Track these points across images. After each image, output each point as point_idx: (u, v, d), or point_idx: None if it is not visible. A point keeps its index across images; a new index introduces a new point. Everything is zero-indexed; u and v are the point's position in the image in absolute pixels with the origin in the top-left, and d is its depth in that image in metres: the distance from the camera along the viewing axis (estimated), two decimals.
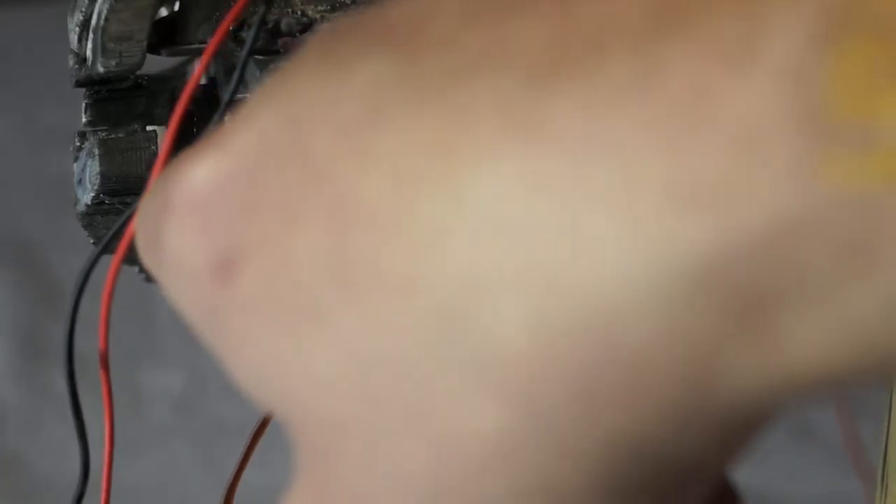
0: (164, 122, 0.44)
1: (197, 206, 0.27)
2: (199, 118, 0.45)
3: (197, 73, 0.38)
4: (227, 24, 0.38)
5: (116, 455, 1.26)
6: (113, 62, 0.42)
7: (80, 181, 0.43)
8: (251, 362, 0.27)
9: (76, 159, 0.43)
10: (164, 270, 0.29)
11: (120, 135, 0.43)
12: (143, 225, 0.31)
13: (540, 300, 0.23)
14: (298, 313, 0.25)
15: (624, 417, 0.23)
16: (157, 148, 0.43)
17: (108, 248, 0.38)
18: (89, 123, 0.44)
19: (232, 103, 0.44)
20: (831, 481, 1.15)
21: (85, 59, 0.42)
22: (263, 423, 0.45)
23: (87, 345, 1.38)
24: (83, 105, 0.44)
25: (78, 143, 0.43)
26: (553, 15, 0.24)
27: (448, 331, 0.24)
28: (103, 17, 0.41)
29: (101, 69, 0.42)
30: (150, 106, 0.44)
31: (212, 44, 0.37)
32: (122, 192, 0.43)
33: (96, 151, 0.43)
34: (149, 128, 0.43)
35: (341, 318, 0.25)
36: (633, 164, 0.22)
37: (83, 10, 0.41)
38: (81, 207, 0.43)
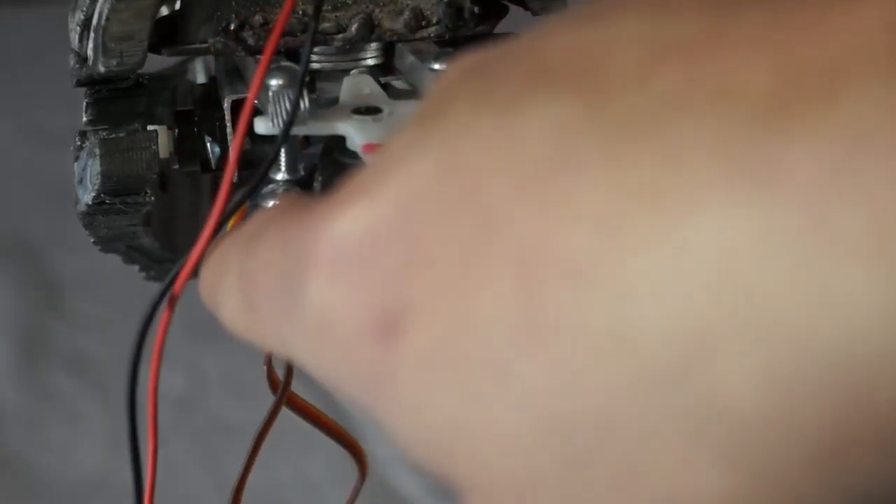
0: (164, 121, 0.44)
1: (351, 260, 0.25)
2: (199, 118, 0.45)
3: (251, 94, 0.37)
4: (278, 29, 0.37)
5: (116, 455, 1.26)
6: (114, 62, 0.41)
7: (80, 181, 0.43)
8: (423, 424, 0.25)
9: (77, 159, 0.43)
10: (303, 329, 0.27)
11: (121, 134, 0.42)
12: (249, 281, 0.28)
13: (779, 356, 0.21)
14: (480, 372, 0.23)
15: (868, 478, 0.22)
16: (157, 147, 0.43)
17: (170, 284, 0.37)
18: (90, 123, 0.43)
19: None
20: None
21: (86, 59, 0.42)
22: (267, 426, 0.45)
23: (89, 346, 1.37)
24: (84, 104, 0.44)
25: (79, 143, 0.43)
26: (769, 45, 0.22)
27: (667, 388, 0.22)
28: (104, 16, 0.40)
29: (102, 69, 0.42)
30: (150, 105, 0.44)
31: (266, 52, 0.36)
32: (122, 192, 0.42)
33: (97, 151, 0.42)
34: (150, 127, 0.43)
35: (533, 377, 0.23)
36: (890, 213, 0.20)
37: (84, 9, 0.41)
38: (82, 207, 0.43)
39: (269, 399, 0.46)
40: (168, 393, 1.22)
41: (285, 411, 0.46)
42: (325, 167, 0.41)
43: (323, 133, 0.41)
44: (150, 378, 0.39)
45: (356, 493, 0.48)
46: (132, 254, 0.47)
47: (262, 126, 0.40)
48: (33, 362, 1.26)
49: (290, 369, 0.44)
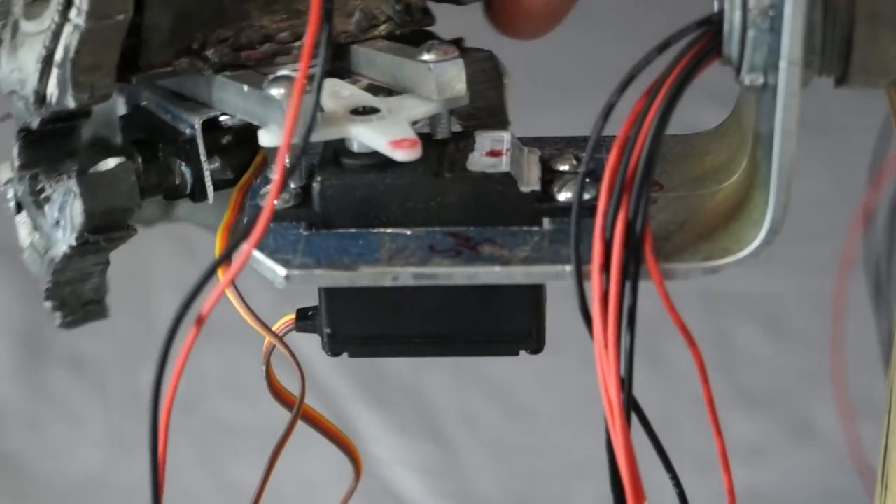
0: (123, 153, 0.42)
1: None
2: (163, 145, 0.44)
3: (290, 118, 0.36)
4: (310, 38, 0.37)
5: (115, 455, 1.26)
6: (86, 95, 0.40)
7: (56, 223, 0.42)
8: None
9: (37, 205, 0.42)
10: None
11: (99, 170, 0.41)
12: None
13: None
14: None
15: None
16: (135, 178, 0.41)
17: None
18: (23, 167, 0.42)
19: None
20: (831, 481, 1.15)
21: (43, 98, 0.40)
22: (284, 439, 0.45)
23: (89, 346, 1.37)
24: (15, 149, 0.42)
25: (10, 195, 0.42)
26: None
27: None
28: (73, 49, 0.39)
29: (72, 104, 0.40)
30: (78, 143, 0.43)
31: (303, 60, 0.36)
32: (107, 228, 0.41)
33: (76, 190, 0.41)
34: (112, 161, 0.41)
35: None
36: None
37: (46, 45, 0.39)
38: (60, 251, 0.42)
39: (268, 399, 0.46)
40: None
41: (284, 411, 0.46)
42: (325, 167, 0.41)
43: (338, 137, 0.41)
44: (167, 393, 0.39)
45: (351, 492, 0.48)
46: (70, 299, 0.46)
47: (267, 139, 0.40)
48: (33, 362, 1.26)
49: (303, 381, 0.44)
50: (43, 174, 0.42)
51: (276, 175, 0.37)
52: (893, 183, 1.09)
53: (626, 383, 0.38)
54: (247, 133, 0.43)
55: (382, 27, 0.44)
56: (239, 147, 0.44)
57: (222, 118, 0.43)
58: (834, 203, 1.32)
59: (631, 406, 0.39)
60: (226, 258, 0.39)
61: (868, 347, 1.10)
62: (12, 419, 1.25)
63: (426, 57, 0.42)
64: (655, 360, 1.21)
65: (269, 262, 0.39)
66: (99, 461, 1.20)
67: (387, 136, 0.40)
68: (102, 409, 1.26)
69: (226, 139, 0.43)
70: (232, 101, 0.42)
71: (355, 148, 0.41)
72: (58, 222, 0.42)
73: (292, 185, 0.42)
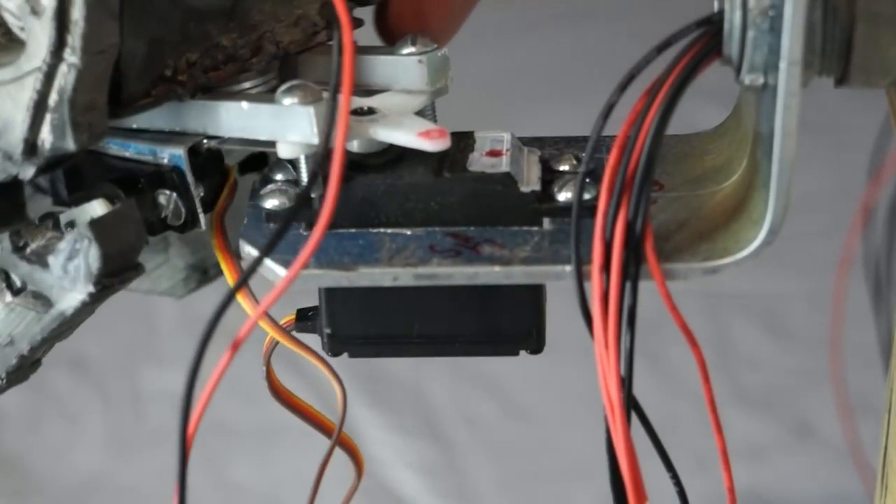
0: (104, 194, 0.42)
1: None
2: (147, 180, 0.43)
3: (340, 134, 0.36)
4: (349, 55, 0.36)
5: (114, 455, 1.25)
6: (85, 136, 0.39)
7: (66, 273, 0.41)
8: None
9: (31, 261, 0.41)
10: None
11: (86, 214, 0.40)
12: None
13: None
14: None
15: None
16: (139, 215, 0.41)
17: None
18: None
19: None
20: (831, 481, 1.15)
21: (34, 145, 0.39)
22: (328, 455, 0.45)
23: (89, 346, 1.37)
24: None
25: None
26: None
27: None
28: (69, 89, 0.38)
29: (73, 146, 0.39)
30: (22, 196, 0.42)
31: (346, 78, 0.36)
32: (122, 269, 0.41)
33: (90, 235, 0.40)
34: (94, 205, 0.41)
35: None
36: None
37: (38, 89, 0.39)
38: (73, 302, 0.41)
39: (268, 400, 0.46)
40: (168, 393, 1.23)
41: (284, 411, 0.46)
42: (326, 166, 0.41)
43: (358, 138, 0.41)
44: (196, 410, 0.39)
45: (352, 492, 0.48)
46: (26, 360, 0.45)
47: (287, 150, 0.40)
48: None
49: (344, 402, 0.44)
50: (24, 229, 0.42)
51: (332, 182, 0.37)
52: (893, 182, 1.09)
53: (626, 383, 0.38)
54: (219, 155, 0.43)
55: (322, 33, 0.44)
56: (215, 170, 0.43)
57: (204, 142, 0.43)
58: (833, 202, 1.32)
59: (631, 405, 0.39)
60: (249, 277, 0.38)
61: (867, 347, 1.10)
62: (12, 419, 1.25)
63: (410, 50, 0.42)
64: (655, 359, 1.21)
65: (269, 263, 0.39)
66: (99, 461, 1.20)
67: (412, 129, 0.40)
68: (102, 409, 1.26)
69: (203, 163, 0.43)
70: (224, 121, 0.42)
71: (355, 149, 0.41)
72: (66, 273, 0.41)
73: (286, 179, 0.42)
